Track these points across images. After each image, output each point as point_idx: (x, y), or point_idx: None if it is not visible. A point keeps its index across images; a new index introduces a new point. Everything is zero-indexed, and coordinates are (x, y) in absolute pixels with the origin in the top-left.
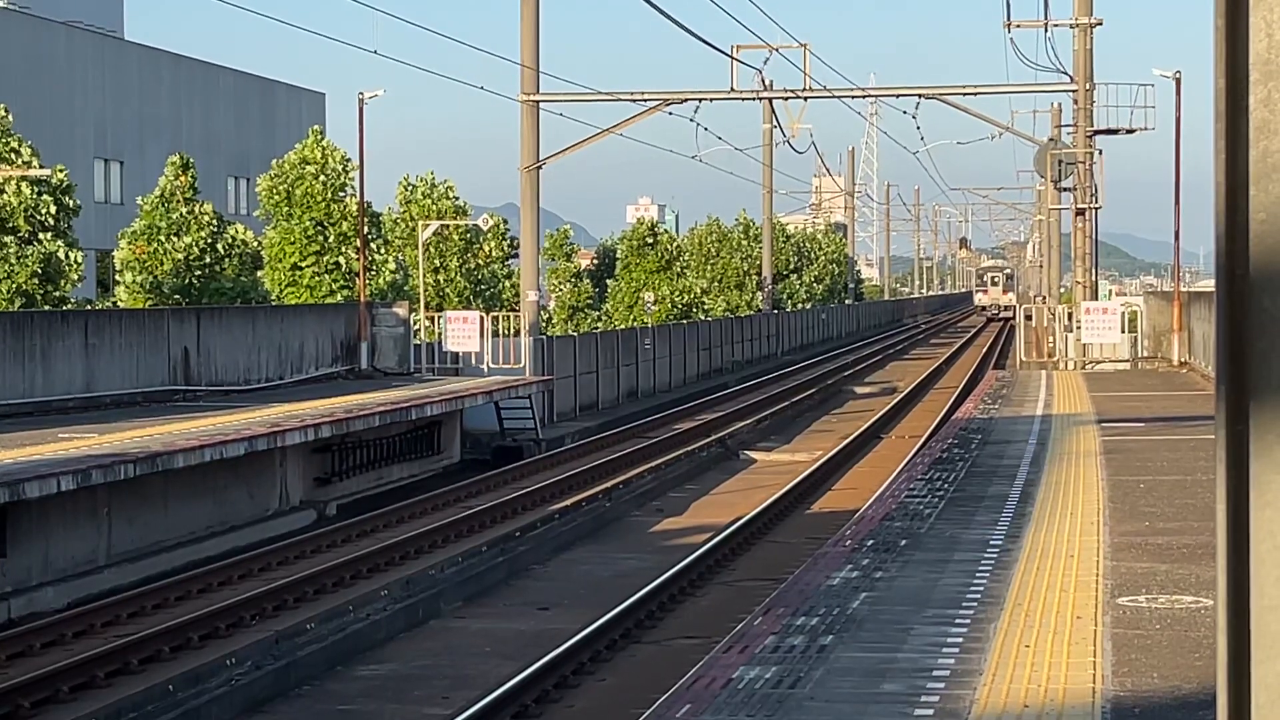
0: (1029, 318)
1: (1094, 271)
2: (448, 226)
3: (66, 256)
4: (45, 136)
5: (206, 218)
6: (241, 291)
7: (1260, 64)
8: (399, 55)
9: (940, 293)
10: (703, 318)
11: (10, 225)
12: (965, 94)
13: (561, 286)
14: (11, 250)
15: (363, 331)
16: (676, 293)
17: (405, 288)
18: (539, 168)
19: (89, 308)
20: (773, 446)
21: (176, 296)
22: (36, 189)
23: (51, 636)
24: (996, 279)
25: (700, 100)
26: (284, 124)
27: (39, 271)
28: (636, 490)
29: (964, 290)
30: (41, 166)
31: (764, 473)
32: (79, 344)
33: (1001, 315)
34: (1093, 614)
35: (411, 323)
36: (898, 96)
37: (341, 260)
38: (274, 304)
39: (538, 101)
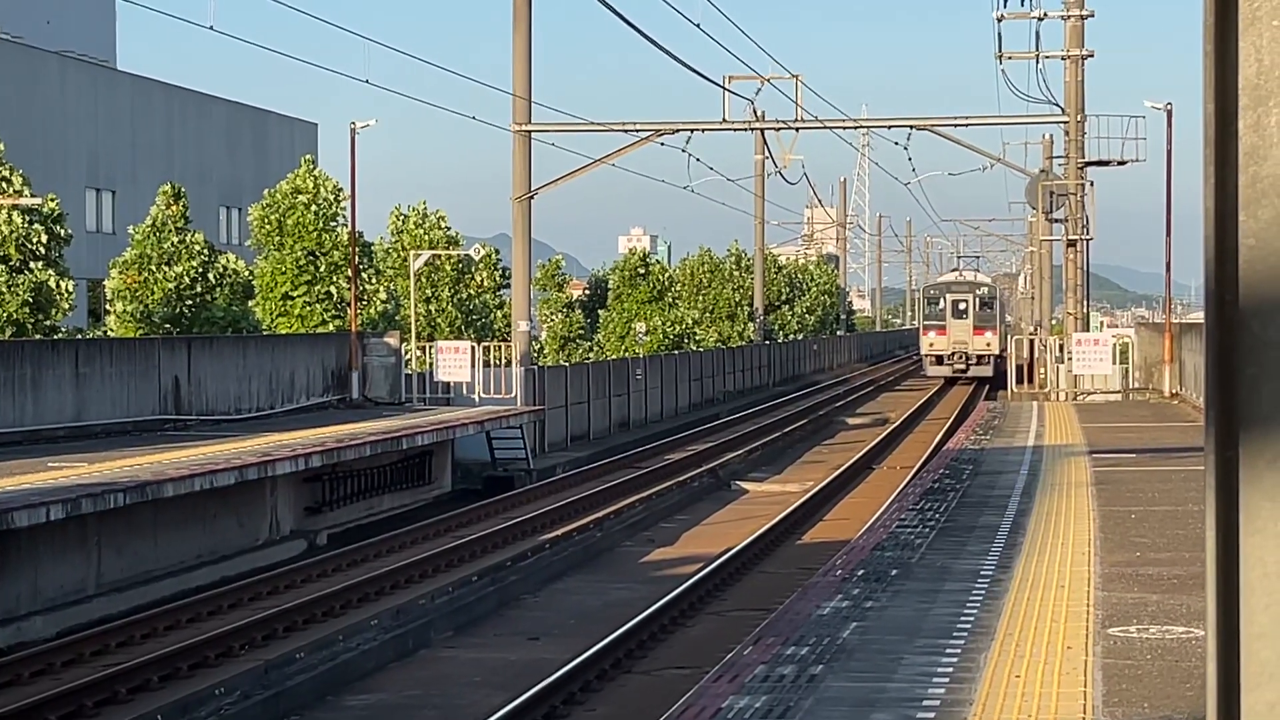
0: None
1: (1085, 303)
2: (439, 256)
3: (57, 285)
4: (37, 166)
5: (198, 247)
6: (232, 321)
7: (1250, 89)
8: (391, 85)
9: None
10: (694, 348)
11: (1, 254)
12: (957, 125)
13: (553, 317)
14: (2, 279)
15: (354, 361)
16: (668, 323)
17: (397, 318)
18: (531, 198)
19: (80, 337)
20: (764, 477)
21: (167, 326)
22: (28, 218)
23: (40, 665)
24: (964, 305)
25: (692, 131)
26: (276, 154)
27: (30, 300)
28: (627, 520)
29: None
30: (33, 196)
31: (755, 503)
32: (69, 373)
33: (971, 374)
34: (1083, 644)
35: (403, 352)
36: (889, 127)
37: (333, 290)
38: (265, 333)
39: (529, 132)
